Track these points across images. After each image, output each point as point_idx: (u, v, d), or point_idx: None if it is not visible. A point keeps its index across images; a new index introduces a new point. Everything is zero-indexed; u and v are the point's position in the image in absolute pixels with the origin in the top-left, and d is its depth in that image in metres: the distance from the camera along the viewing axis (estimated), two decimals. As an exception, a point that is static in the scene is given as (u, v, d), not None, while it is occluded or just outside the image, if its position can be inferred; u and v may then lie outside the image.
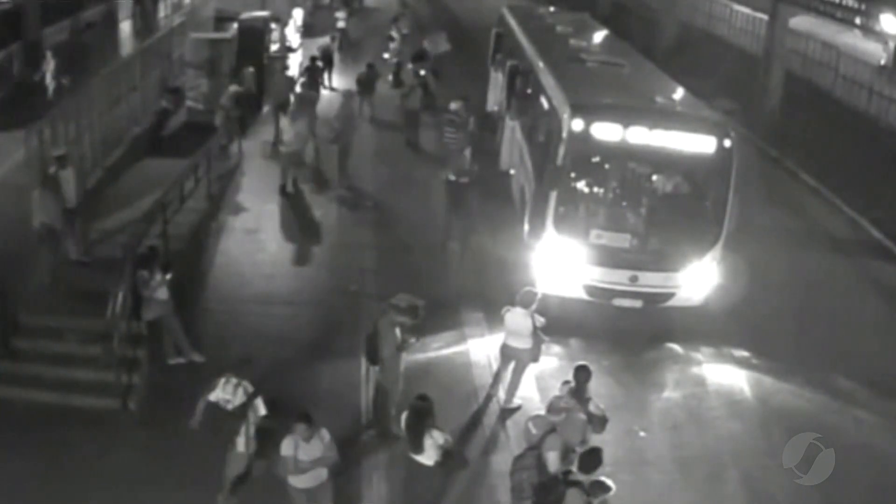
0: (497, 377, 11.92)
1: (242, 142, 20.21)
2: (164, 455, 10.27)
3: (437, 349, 12.80)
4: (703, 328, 13.75)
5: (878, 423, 12.23)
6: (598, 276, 13.32)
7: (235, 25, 24.35)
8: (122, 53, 24.31)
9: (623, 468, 10.17)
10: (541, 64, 17.00)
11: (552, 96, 14.79)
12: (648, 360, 13.36)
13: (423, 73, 23.31)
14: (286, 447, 8.64)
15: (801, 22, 26.14)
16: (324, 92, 24.93)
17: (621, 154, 13.11)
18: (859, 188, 20.34)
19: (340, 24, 33.09)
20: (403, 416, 9.42)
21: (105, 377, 11.15)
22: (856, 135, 23.86)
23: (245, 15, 24.84)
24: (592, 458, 8.55)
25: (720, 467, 11.12)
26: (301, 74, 24.90)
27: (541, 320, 11.44)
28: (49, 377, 11.31)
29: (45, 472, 9.87)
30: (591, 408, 9.71)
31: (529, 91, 17.53)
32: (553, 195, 13.17)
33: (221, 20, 27.07)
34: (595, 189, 13.49)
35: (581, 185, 13.38)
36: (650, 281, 13.34)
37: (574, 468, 8.62)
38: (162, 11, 30.36)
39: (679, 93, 15.71)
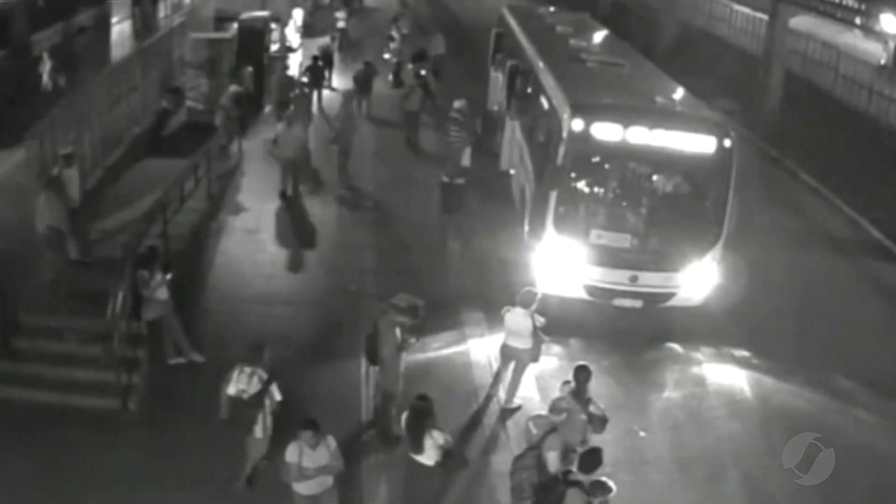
0: (497, 377, 11.92)
1: (242, 142, 20.21)
2: (164, 455, 10.28)
3: (437, 349, 12.80)
4: (703, 328, 13.76)
5: (878, 423, 12.24)
6: (598, 276, 13.32)
7: (235, 25, 24.35)
8: (116, 56, 24.23)
9: (623, 468, 10.18)
10: (541, 64, 17.00)
11: (552, 96, 14.79)
12: (648, 360, 13.36)
13: (423, 73, 23.30)
14: (291, 453, 8.62)
15: (801, 22, 26.14)
16: (324, 91, 24.96)
17: (621, 154, 13.11)
18: (859, 188, 20.35)
19: (340, 24, 33.09)
20: (403, 416, 9.43)
21: (105, 377, 11.15)
22: (856, 135, 23.89)
23: (245, 15, 24.82)
24: (592, 458, 8.55)
25: (720, 467, 11.12)
26: (302, 74, 24.93)
27: (541, 320, 11.45)
28: (49, 377, 11.31)
29: (45, 472, 9.87)
30: (592, 408, 9.72)
31: (529, 91, 17.53)
32: (553, 195, 13.17)
33: (221, 20, 27.05)
34: (595, 189, 13.49)
35: (581, 185, 13.38)
36: (650, 281, 13.34)
37: (574, 468, 8.63)
38: (162, 11, 30.33)
39: (679, 93, 15.71)
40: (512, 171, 18.30)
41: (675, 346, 13.68)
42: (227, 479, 9.79)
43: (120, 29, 27.34)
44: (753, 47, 31.37)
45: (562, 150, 13.02)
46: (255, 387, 9.43)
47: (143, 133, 18.95)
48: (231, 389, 9.45)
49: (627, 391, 12.49)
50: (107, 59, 23.65)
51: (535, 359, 11.61)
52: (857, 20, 21.65)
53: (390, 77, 26.78)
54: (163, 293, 11.65)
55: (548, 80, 15.75)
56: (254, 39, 23.70)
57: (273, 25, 25.91)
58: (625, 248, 13.29)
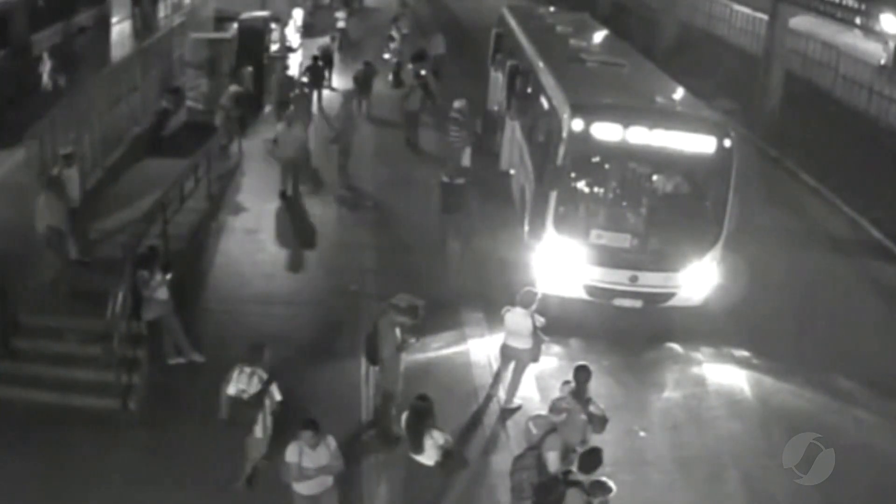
0: (497, 377, 11.92)
1: (242, 142, 20.21)
2: (164, 455, 10.29)
3: (437, 349, 12.80)
4: (703, 328, 13.76)
5: (878, 423, 12.24)
6: (598, 276, 13.32)
7: (235, 25, 24.35)
8: (116, 56, 24.23)
9: (623, 468, 10.18)
10: (541, 64, 17.00)
11: (552, 96, 14.79)
12: (648, 360, 13.36)
13: (423, 73, 23.31)
14: (291, 453, 8.62)
15: (801, 22, 26.12)
16: (324, 91, 24.96)
17: (621, 154, 13.11)
18: (859, 188, 20.34)
19: (340, 24, 33.09)
20: (403, 416, 9.43)
21: (105, 377, 11.14)
22: (856, 135, 23.87)
23: (245, 15, 24.82)
24: (592, 458, 8.55)
25: (720, 467, 11.12)
26: (302, 74, 24.93)
27: (541, 320, 11.45)
28: (49, 377, 11.30)
29: (45, 472, 9.88)
30: (592, 408, 9.72)
31: (529, 91, 17.53)
32: (553, 195, 13.17)
33: (221, 20, 27.03)
34: (595, 189, 13.49)
35: (581, 185, 13.38)
36: (650, 281, 13.34)
37: (574, 468, 8.63)
38: (162, 11, 30.32)
39: (679, 93, 15.71)
40: (512, 171, 18.30)
41: (675, 346, 13.68)
42: (227, 479, 9.80)
43: (120, 29, 27.33)
44: (753, 47, 31.35)
45: (562, 150, 13.02)
46: (255, 387, 9.44)
47: (143, 133, 18.93)
48: (231, 389, 9.46)
49: (627, 391, 12.49)
50: (107, 59, 23.64)
51: (535, 359, 11.61)
52: (857, 20, 21.63)
53: (390, 77, 26.78)
54: (163, 293, 11.65)
55: (548, 80, 15.75)
56: (254, 39, 23.70)
57: (273, 25, 25.90)
58: (625, 248, 13.29)
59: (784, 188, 21.40)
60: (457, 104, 19.23)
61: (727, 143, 12.95)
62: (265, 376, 9.52)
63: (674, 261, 13.33)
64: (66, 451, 10.26)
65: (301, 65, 27.32)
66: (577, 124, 12.85)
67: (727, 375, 13.21)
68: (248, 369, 9.50)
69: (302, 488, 8.77)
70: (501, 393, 11.82)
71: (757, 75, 26.32)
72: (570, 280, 13.36)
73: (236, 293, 14.13)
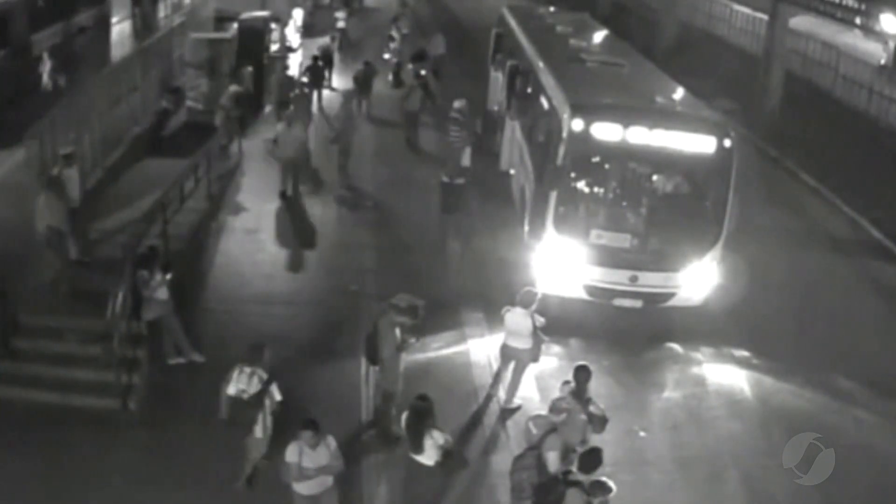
0: (497, 377, 11.92)
1: (242, 142, 20.21)
2: (164, 455, 10.30)
3: (437, 349, 12.80)
4: (703, 328, 13.76)
5: (878, 423, 12.24)
6: (598, 276, 13.32)
7: (235, 25, 24.34)
8: (116, 56, 24.24)
9: (623, 468, 10.18)
10: (541, 64, 17.00)
11: (552, 96, 14.79)
12: (648, 360, 13.36)
13: (423, 73, 23.30)
14: (291, 453, 8.62)
15: (801, 22, 26.13)
16: (324, 91, 24.96)
17: (621, 154, 13.11)
18: (859, 188, 20.34)
19: (340, 24, 33.08)
20: (403, 416, 9.43)
21: (105, 377, 11.15)
22: (856, 135, 23.88)
23: (245, 15, 24.82)
24: (592, 458, 8.55)
25: (720, 467, 11.12)
26: (302, 74, 24.92)
27: (541, 320, 11.45)
28: (49, 377, 11.31)
29: (45, 472, 9.87)
30: (592, 408, 9.72)
31: (529, 91, 17.53)
32: (553, 195, 13.16)
33: (221, 20, 27.03)
34: (595, 189, 13.49)
35: (581, 185, 13.38)
36: (650, 281, 13.34)
37: (574, 468, 8.62)
38: (162, 11, 30.32)
39: (679, 93, 15.71)
40: (512, 171, 18.30)
41: (675, 346, 13.68)
42: (227, 479, 9.80)
43: (120, 29, 27.28)
44: (753, 47, 31.35)
45: (562, 150, 13.02)
46: (255, 387, 9.44)
47: (143, 133, 18.94)
48: (231, 389, 9.46)
49: (627, 391, 12.49)
50: (107, 59, 23.62)
51: (535, 359, 11.61)
52: (857, 20, 21.64)
53: (390, 77, 26.78)
54: (163, 293, 11.66)
55: (548, 80, 15.75)
56: (254, 39, 23.69)
57: (273, 25, 25.90)
58: (625, 248, 13.29)
59: (784, 188, 21.40)
60: (457, 104, 19.23)
61: (727, 143, 12.95)
62: (265, 376, 9.52)
63: (674, 261, 13.32)
64: (66, 451, 10.25)
65: (301, 65, 27.31)
66: (577, 124, 12.84)
67: (727, 375, 13.21)
68: (248, 369, 9.51)
69: (302, 488, 8.77)
70: (501, 393, 11.82)
71: (757, 75, 26.33)
72: (570, 280, 13.35)
73: (236, 293, 14.13)
